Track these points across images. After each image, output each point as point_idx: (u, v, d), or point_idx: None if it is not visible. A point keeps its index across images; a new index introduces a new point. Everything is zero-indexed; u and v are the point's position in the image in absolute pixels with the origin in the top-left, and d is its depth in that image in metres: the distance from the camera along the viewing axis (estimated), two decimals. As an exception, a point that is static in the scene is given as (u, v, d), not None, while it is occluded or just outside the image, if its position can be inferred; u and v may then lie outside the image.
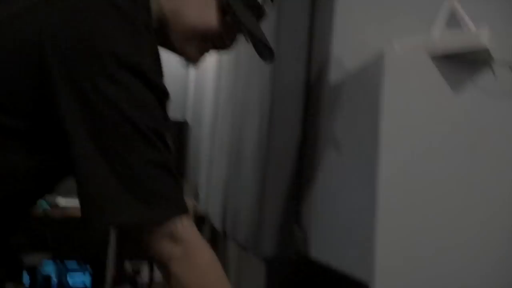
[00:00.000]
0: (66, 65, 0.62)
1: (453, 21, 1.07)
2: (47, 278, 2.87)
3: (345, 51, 1.26)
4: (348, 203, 1.08)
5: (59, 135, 0.64)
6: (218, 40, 0.81)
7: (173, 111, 2.98)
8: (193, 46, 0.81)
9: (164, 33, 0.78)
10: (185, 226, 0.68)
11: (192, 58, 0.84)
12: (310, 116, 1.43)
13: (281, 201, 1.36)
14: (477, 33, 0.92)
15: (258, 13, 0.80)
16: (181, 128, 3.56)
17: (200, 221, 2.85)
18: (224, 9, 0.76)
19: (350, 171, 1.10)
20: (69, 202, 2.74)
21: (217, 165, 2.59)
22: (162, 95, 0.68)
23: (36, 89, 0.64)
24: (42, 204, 2.69)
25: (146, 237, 0.67)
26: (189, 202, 2.84)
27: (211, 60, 2.85)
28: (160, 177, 0.66)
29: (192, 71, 3.79)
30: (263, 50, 0.83)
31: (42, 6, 0.65)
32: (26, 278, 2.85)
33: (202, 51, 0.83)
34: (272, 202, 1.35)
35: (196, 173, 3.25)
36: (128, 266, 3.11)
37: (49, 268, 2.91)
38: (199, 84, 3.72)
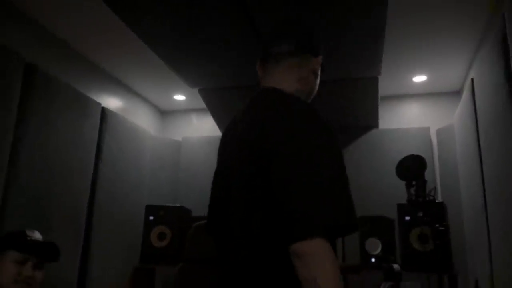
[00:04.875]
0: (271, 141, 1.01)
1: None
2: None
3: None
4: None
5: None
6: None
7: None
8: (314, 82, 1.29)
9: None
10: None
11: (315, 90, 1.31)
12: None
13: None
14: None
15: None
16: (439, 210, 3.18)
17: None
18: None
19: None
20: None
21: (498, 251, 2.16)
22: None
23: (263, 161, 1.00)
24: None
25: None
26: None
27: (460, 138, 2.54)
28: None
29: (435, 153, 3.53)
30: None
31: (259, 119, 1.08)
32: None
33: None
34: None
35: (469, 261, 2.81)
36: None
37: None
38: (446, 159, 3.41)
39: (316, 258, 0.89)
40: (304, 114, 1.04)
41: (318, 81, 1.30)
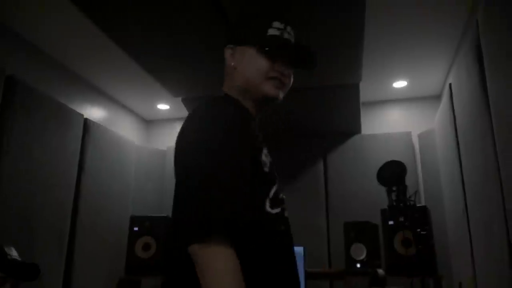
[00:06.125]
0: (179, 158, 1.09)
1: None
2: None
3: None
4: None
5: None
6: (279, 72, 1.17)
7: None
8: (268, 84, 1.17)
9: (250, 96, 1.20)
10: None
11: (272, 94, 1.18)
12: None
13: None
14: None
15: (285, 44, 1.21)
16: (421, 214, 3.22)
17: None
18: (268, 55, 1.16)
19: None
20: None
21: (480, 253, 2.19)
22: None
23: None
24: None
25: None
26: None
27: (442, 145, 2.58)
28: None
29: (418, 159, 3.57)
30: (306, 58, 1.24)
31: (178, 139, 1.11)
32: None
33: (276, 85, 1.18)
34: None
35: (453, 264, 2.84)
36: None
37: None
38: (428, 163, 3.46)
39: (205, 261, 0.90)
40: (204, 123, 1.05)
41: (264, 71, 1.16)
